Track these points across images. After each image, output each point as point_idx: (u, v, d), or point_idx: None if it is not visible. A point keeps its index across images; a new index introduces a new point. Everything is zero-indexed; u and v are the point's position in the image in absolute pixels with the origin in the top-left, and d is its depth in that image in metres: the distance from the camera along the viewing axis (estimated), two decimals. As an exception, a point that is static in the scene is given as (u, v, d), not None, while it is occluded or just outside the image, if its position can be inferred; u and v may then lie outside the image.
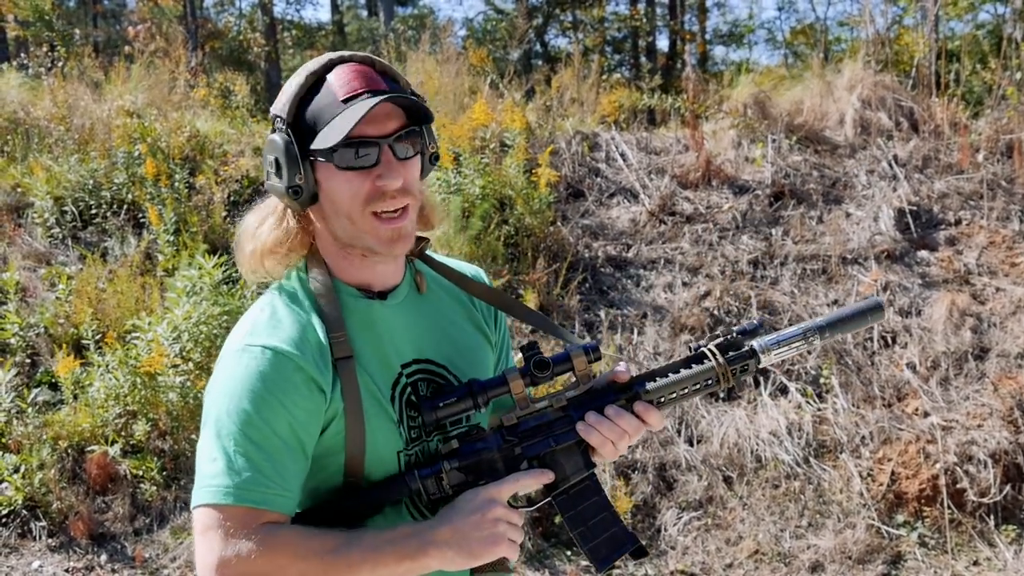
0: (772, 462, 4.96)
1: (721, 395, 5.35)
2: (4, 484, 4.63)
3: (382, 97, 1.46)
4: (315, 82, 1.51)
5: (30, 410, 4.84)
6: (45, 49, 8.48)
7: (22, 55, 10.02)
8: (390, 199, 1.51)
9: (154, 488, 4.66)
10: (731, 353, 1.62)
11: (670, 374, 1.62)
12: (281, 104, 1.51)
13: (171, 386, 4.74)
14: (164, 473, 4.73)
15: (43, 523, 4.56)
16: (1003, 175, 6.57)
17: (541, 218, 6.05)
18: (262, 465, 1.42)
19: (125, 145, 6.46)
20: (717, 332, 1.63)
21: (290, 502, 1.46)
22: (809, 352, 5.44)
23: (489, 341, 1.78)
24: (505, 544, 1.47)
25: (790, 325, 5.57)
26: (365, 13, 22.96)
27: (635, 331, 5.62)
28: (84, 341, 5.11)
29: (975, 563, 4.51)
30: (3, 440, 4.79)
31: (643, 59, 19.56)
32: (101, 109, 7.08)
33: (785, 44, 22.26)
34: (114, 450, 4.69)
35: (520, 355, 1.61)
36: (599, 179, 6.82)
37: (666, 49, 20.02)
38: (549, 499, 1.61)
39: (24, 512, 4.60)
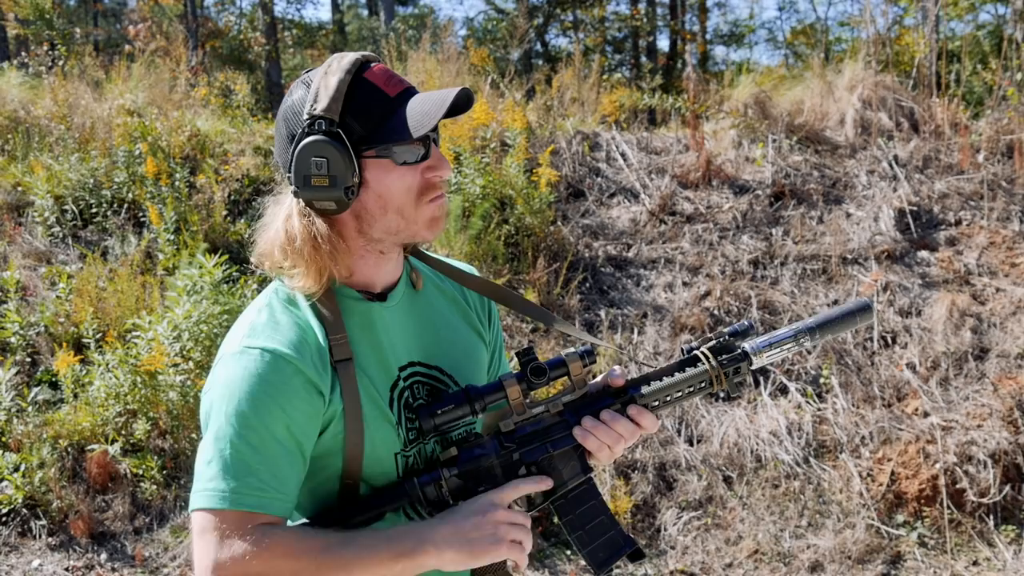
0: (772, 462, 4.96)
1: (721, 396, 5.35)
2: (4, 483, 4.64)
3: (459, 88, 1.49)
4: (352, 81, 1.48)
5: (30, 409, 4.84)
6: (45, 48, 8.48)
7: (22, 54, 10.02)
8: (438, 188, 1.55)
9: (154, 487, 4.66)
10: (724, 356, 1.64)
11: (664, 378, 1.63)
12: (323, 105, 1.46)
13: (171, 385, 4.74)
14: (164, 472, 4.74)
15: (43, 522, 4.56)
16: (1003, 175, 6.57)
17: (541, 218, 6.05)
18: (258, 469, 1.41)
19: (125, 144, 6.46)
20: (709, 335, 1.64)
21: (286, 505, 1.45)
22: (800, 353, 5.44)
23: (483, 340, 1.78)
24: (506, 546, 1.47)
25: (790, 324, 5.58)
26: (366, 12, 22.96)
27: (635, 331, 5.62)
28: (84, 340, 5.11)
29: (974, 563, 4.51)
30: (3, 439, 4.79)
31: (644, 59, 19.57)
32: (102, 108, 7.08)
33: (786, 44, 22.27)
34: (114, 449, 4.69)
35: (516, 360, 1.61)
36: (599, 179, 6.83)
37: (667, 49, 20.05)
38: (548, 503, 1.61)
39: (24, 511, 4.60)
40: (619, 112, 7.89)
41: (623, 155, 7.04)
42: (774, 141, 6.95)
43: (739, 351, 1.64)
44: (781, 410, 5.18)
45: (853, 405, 5.19)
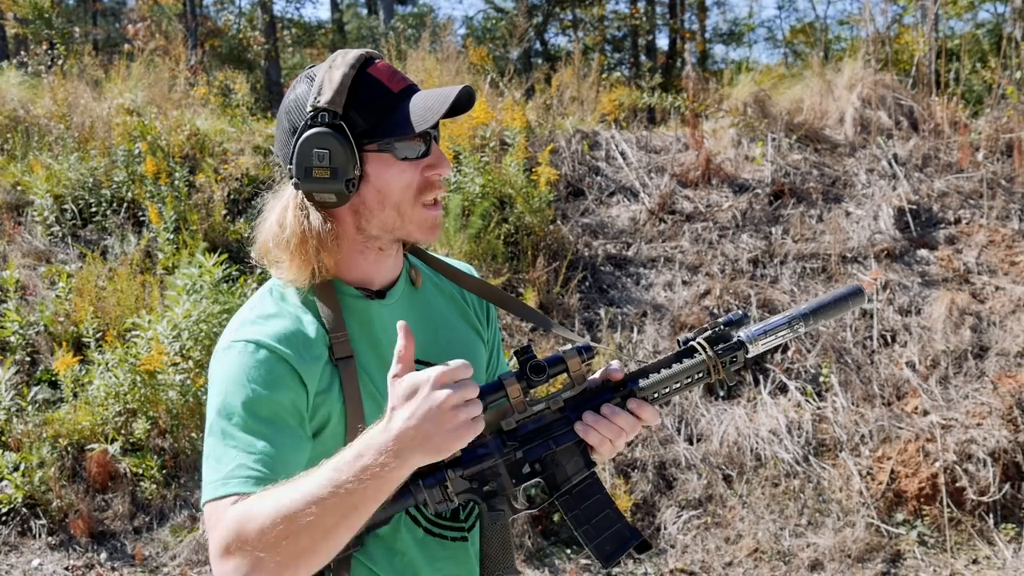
0: (772, 461, 4.96)
1: (721, 393, 5.36)
2: (4, 482, 4.63)
3: (461, 86, 1.50)
4: (356, 75, 1.50)
5: (30, 408, 4.84)
6: (45, 47, 8.48)
7: (22, 53, 10.02)
8: (438, 187, 1.55)
9: (154, 486, 4.66)
10: (720, 345, 1.64)
11: (662, 370, 1.63)
12: (327, 97, 1.48)
13: (171, 384, 4.74)
14: (164, 471, 4.74)
15: (43, 521, 4.57)
16: (1003, 174, 6.57)
17: (541, 217, 6.05)
18: (247, 452, 1.42)
19: (125, 143, 6.45)
20: (704, 326, 1.65)
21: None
22: (800, 352, 5.44)
23: (482, 338, 1.78)
24: (470, 428, 1.36)
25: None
26: (365, 11, 22.96)
27: (635, 329, 5.62)
28: (84, 339, 5.11)
29: (974, 561, 4.51)
30: (3, 438, 4.79)
31: (643, 58, 19.57)
32: (101, 107, 7.08)
33: (785, 43, 22.27)
34: (114, 448, 4.69)
35: (515, 359, 1.61)
36: (599, 178, 6.83)
37: (666, 48, 20.04)
38: (553, 499, 1.62)
39: (24, 510, 4.60)
40: (618, 111, 7.89)
41: (622, 154, 7.04)
42: (773, 140, 6.95)
43: (735, 340, 1.64)
44: (781, 409, 5.18)
45: (853, 404, 5.19)
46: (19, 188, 6.44)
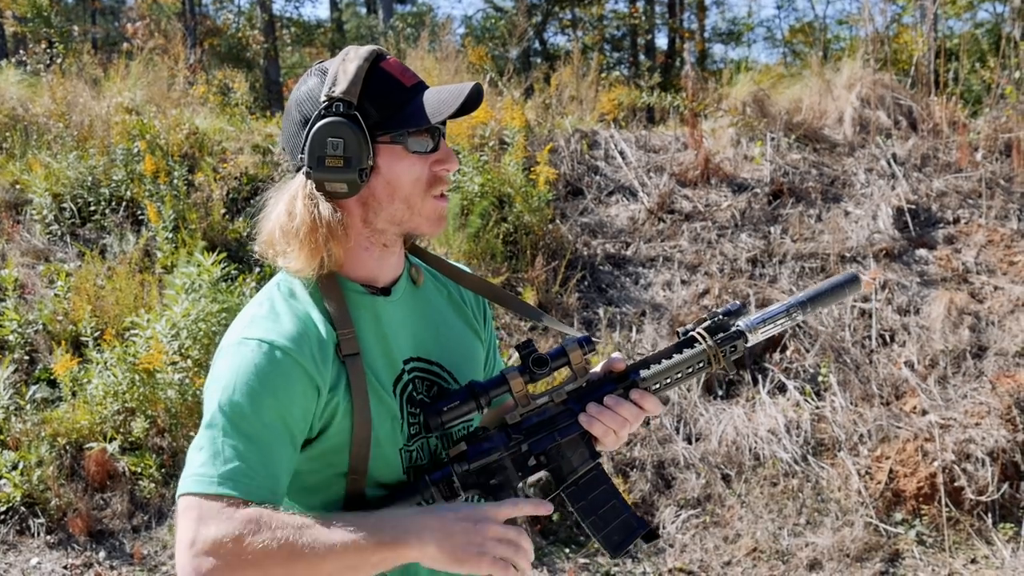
0: (770, 460, 4.96)
1: (720, 393, 5.36)
2: (3, 481, 4.63)
3: (472, 83, 1.52)
4: (369, 68, 1.51)
5: (28, 407, 4.84)
6: (43, 46, 8.47)
7: (20, 52, 10.01)
8: (446, 183, 1.57)
9: (152, 485, 4.66)
10: (720, 335, 1.65)
11: (663, 360, 1.65)
12: (342, 87, 1.48)
13: (169, 383, 4.74)
14: (162, 470, 4.73)
15: (41, 520, 4.56)
16: (1002, 174, 6.57)
17: (540, 216, 6.05)
18: (248, 457, 1.41)
19: (124, 142, 6.45)
20: (704, 316, 1.67)
21: (274, 496, 1.43)
22: (799, 351, 5.44)
23: (479, 337, 1.79)
24: (489, 561, 1.41)
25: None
26: (364, 10, 22.95)
27: (634, 329, 5.62)
28: (83, 338, 5.11)
29: (973, 561, 4.51)
30: (2, 437, 4.79)
31: (642, 57, 19.57)
32: (100, 106, 7.07)
33: (784, 42, 22.27)
34: (112, 447, 4.69)
35: (517, 354, 1.62)
36: (598, 177, 6.83)
37: (665, 47, 20.04)
38: (559, 491, 1.63)
39: (23, 509, 4.60)
40: (617, 110, 7.89)
41: (621, 153, 7.04)
42: (772, 139, 6.95)
43: (734, 329, 1.66)
44: (780, 408, 5.18)
45: (851, 403, 5.19)
46: (18, 187, 6.44)
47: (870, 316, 5.65)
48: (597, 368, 1.67)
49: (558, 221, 6.29)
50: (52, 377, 5.07)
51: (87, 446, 4.71)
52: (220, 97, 8.15)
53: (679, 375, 1.65)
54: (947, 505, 4.69)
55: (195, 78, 8.40)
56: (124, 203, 6.26)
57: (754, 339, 1.67)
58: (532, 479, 1.65)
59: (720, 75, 9.65)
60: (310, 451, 1.52)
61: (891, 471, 4.83)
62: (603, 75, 9.48)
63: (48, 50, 8.22)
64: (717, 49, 22.96)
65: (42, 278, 5.80)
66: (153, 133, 6.54)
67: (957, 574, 4.43)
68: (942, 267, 5.94)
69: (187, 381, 4.77)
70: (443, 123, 1.55)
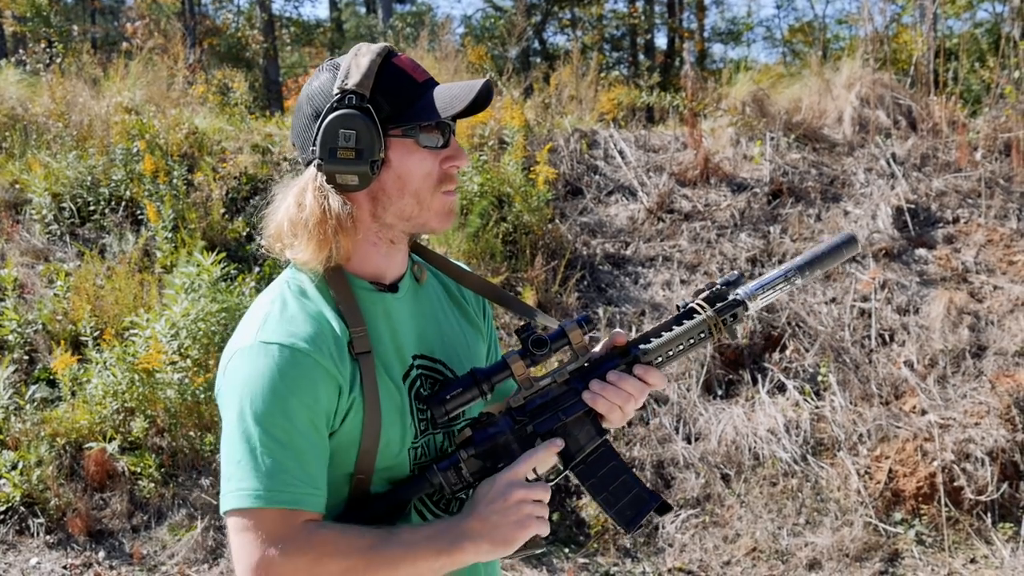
0: (770, 460, 4.96)
1: (719, 392, 5.36)
2: (2, 481, 4.63)
3: (484, 80, 1.53)
4: (382, 63, 1.52)
5: (28, 407, 4.84)
6: (43, 45, 8.47)
7: (20, 51, 10.01)
8: (455, 180, 1.58)
9: (152, 485, 4.66)
10: (719, 304, 1.65)
11: (664, 333, 1.64)
12: (355, 80, 1.49)
13: (169, 383, 4.73)
14: (162, 470, 4.73)
15: (41, 520, 4.56)
16: (1001, 173, 6.58)
17: (539, 215, 6.05)
18: (289, 465, 1.42)
19: (123, 142, 6.45)
20: (702, 287, 1.67)
21: (321, 499, 1.46)
22: (798, 351, 5.44)
23: (481, 334, 1.79)
24: (534, 524, 1.48)
25: (788, 323, 5.59)
26: (363, 10, 22.95)
27: (633, 328, 5.62)
28: (82, 338, 5.11)
29: (972, 561, 4.52)
30: (1, 437, 4.79)
31: (641, 57, 19.58)
32: (99, 106, 7.07)
33: (783, 42, 22.28)
34: (112, 447, 4.69)
35: (516, 337, 1.62)
36: (597, 177, 6.83)
37: (664, 47, 20.05)
38: (568, 470, 1.62)
39: (22, 509, 4.60)
40: (617, 110, 7.90)
41: (621, 153, 7.04)
42: (772, 139, 6.95)
43: (733, 298, 1.66)
44: (779, 408, 5.18)
45: (851, 403, 5.19)
46: (17, 186, 6.44)
47: (869, 316, 5.65)
48: (598, 348, 1.66)
49: (557, 221, 6.29)
50: (51, 377, 5.07)
51: (86, 446, 4.71)
52: (219, 97, 8.15)
53: (681, 347, 1.64)
54: (946, 505, 4.69)
55: (194, 78, 8.40)
56: (123, 203, 6.26)
57: (754, 306, 1.66)
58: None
59: (719, 75, 9.65)
60: None
61: (890, 471, 4.83)
62: (602, 75, 9.48)
63: (47, 50, 8.23)
64: (716, 49, 22.98)
65: (41, 278, 5.79)
66: (152, 133, 6.54)
67: (956, 574, 4.44)
68: (941, 267, 5.94)
69: (186, 381, 4.77)
70: (453, 120, 1.55)
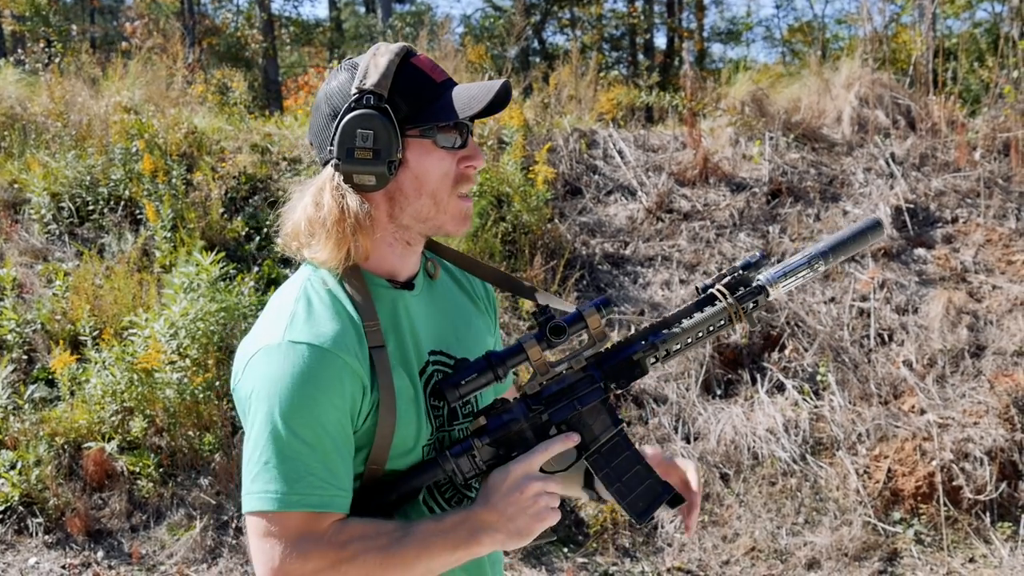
0: (769, 459, 4.97)
1: (718, 392, 5.36)
2: (1, 480, 4.63)
3: (502, 81, 1.52)
4: (400, 63, 1.52)
5: (27, 406, 4.83)
6: (42, 45, 8.47)
7: (19, 51, 10.01)
8: (472, 180, 1.58)
9: (151, 485, 4.66)
10: (740, 291, 1.61)
11: (684, 320, 1.61)
12: (373, 80, 1.49)
13: (168, 383, 4.73)
14: (161, 470, 4.73)
15: (40, 519, 4.56)
16: (1000, 173, 6.58)
17: (538, 215, 6.05)
18: (316, 467, 1.42)
19: (122, 141, 6.44)
20: (723, 271, 1.62)
21: (346, 500, 1.46)
22: (797, 350, 5.44)
23: (490, 329, 1.80)
24: (550, 516, 1.49)
25: (787, 322, 5.59)
26: (363, 9, 22.95)
27: (632, 328, 5.62)
28: (81, 337, 5.11)
29: (971, 560, 4.52)
30: (0, 436, 4.78)
31: (641, 56, 19.58)
32: (98, 105, 7.07)
33: (783, 42, 22.29)
34: (111, 447, 4.69)
35: (532, 320, 1.60)
36: (596, 176, 6.83)
37: (664, 47, 20.05)
38: (581, 459, 1.60)
39: (21, 508, 4.60)
40: (616, 110, 7.90)
41: (620, 153, 7.04)
42: (771, 139, 6.95)
43: (755, 285, 1.62)
44: (778, 407, 5.18)
45: (850, 402, 5.19)
46: (16, 186, 6.44)
47: (868, 315, 5.65)
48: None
49: (556, 220, 6.29)
50: (50, 376, 5.07)
51: (85, 445, 4.71)
52: (219, 96, 8.15)
53: (700, 335, 1.61)
54: (945, 504, 4.69)
55: (194, 77, 8.40)
56: (122, 202, 6.25)
57: (775, 293, 1.63)
58: None
59: (719, 74, 9.65)
60: None
61: (889, 470, 4.84)
62: (602, 74, 9.48)
63: (46, 49, 8.23)
64: (716, 48, 22.99)
65: (40, 277, 5.79)
66: (151, 132, 6.53)
67: (955, 573, 4.44)
68: (940, 266, 5.94)
69: (185, 381, 4.77)
70: (471, 120, 1.55)
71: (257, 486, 1.42)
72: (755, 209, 6.43)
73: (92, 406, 4.78)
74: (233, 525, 4.56)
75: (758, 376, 5.38)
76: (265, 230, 6.07)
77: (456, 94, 1.52)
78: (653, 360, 1.62)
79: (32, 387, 5.01)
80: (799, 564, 4.50)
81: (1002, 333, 5.45)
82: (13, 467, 4.62)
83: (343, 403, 1.45)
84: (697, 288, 1.65)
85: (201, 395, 4.77)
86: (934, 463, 4.78)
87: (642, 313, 5.73)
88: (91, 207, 6.25)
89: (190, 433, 4.79)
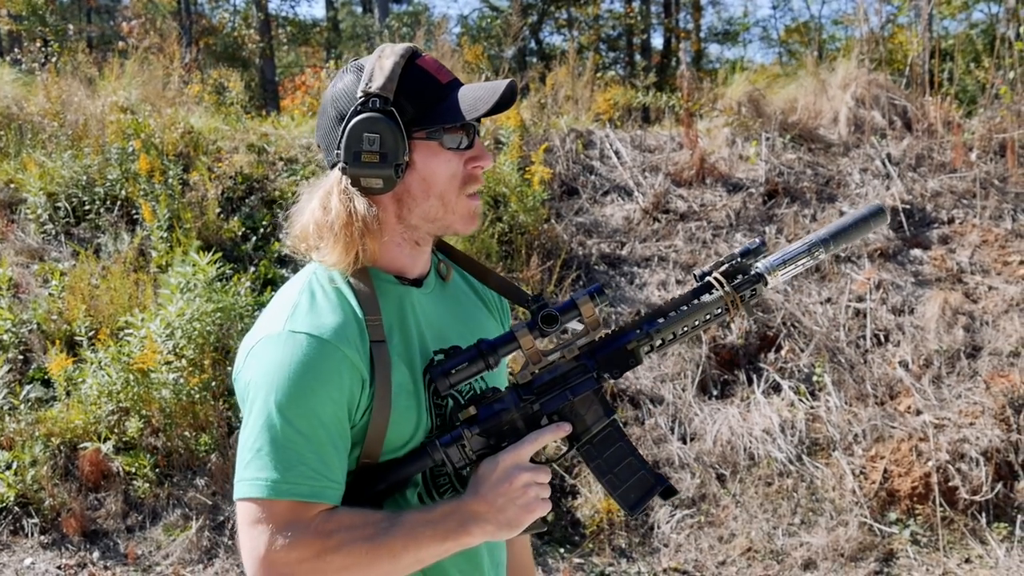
0: (765, 460, 4.97)
1: (714, 392, 5.36)
2: (-4, 481, 4.63)
3: (507, 81, 1.52)
4: (405, 65, 1.52)
5: (23, 407, 4.83)
6: (39, 44, 8.45)
7: (15, 50, 9.99)
8: (480, 180, 1.58)
9: (147, 485, 4.66)
10: (738, 279, 1.59)
11: (680, 308, 1.59)
12: (379, 83, 1.49)
13: (164, 383, 4.73)
14: (157, 470, 4.73)
15: (35, 520, 4.56)
16: (996, 174, 6.58)
17: (535, 216, 6.05)
18: (309, 457, 1.42)
19: (119, 141, 6.44)
20: (721, 258, 1.58)
21: (337, 492, 1.46)
22: (793, 350, 5.45)
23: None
24: (540, 506, 1.48)
25: (784, 323, 5.59)
26: (360, 10, 22.93)
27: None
28: (77, 338, 5.10)
29: (967, 560, 4.52)
30: (-5, 437, 4.78)
31: (638, 57, 19.59)
32: (95, 105, 7.06)
33: (779, 42, 22.31)
34: (107, 447, 4.68)
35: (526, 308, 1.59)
36: (593, 177, 6.83)
37: (661, 47, 20.04)
38: (573, 450, 1.59)
39: (16, 509, 4.59)
40: (613, 110, 7.90)
41: (617, 153, 7.04)
42: (767, 139, 6.96)
43: (753, 273, 1.60)
44: (774, 408, 5.19)
45: (846, 403, 5.20)
46: (12, 186, 6.43)
47: (865, 316, 5.65)
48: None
49: (553, 221, 6.29)
50: (46, 377, 5.06)
51: (81, 446, 4.71)
52: (215, 96, 8.14)
53: (696, 323, 1.59)
54: (941, 505, 4.70)
55: (190, 77, 8.39)
56: (119, 202, 6.25)
57: (774, 281, 1.60)
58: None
59: (716, 75, 9.66)
60: None
61: (885, 471, 4.84)
62: (599, 75, 9.48)
63: (43, 48, 8.22)
64: (713, 49, 23.00)
65: (36, 277, 5.79)
66: (148, 132, 6.53)
67: (951, 574, 4.44)
68: (936, 267, 5.94)
69: (181, 381, 4.76)
70: (478, 121, 1.55)
71: (249, 473, 1.43)
72: (751, 209, 6.44)
73: (88, 406, 4.77)
74: (229, 526, 4.56)
75: (754, 377, 5.38)
76: (262, 230, 6.07)
77: (462, 95, 1.52)
78: (648, 349, 1.60)
79: (28, 387, 5.01)
80: (795, 564, 4.51)
81: (998, 334, 5.46)
82: (9, 467, 4.62)
83: (340, 395, 1.45)
84: (695, 275, 1.62)
85: (197, 395, 4.77)
86: (930, 463, 4.78)
87: (638, 314, 5.73)
88: (87, 207, 6.24)
89: (186, 433, 4.79)
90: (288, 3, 32.87)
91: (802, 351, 5.46)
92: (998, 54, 7.44)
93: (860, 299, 5.75)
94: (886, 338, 5.56)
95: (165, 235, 5.68)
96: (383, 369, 1.50)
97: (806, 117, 7.21)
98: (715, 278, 1.60)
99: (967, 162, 6.67)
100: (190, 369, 4.80)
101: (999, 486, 4.74)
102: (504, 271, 5.76)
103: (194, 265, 4.98)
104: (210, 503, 4.61)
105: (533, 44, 19.19)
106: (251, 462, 1.43)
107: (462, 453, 1.53)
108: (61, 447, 4.75)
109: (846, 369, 5.37)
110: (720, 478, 4.95)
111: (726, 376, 5.43)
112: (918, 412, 5.07)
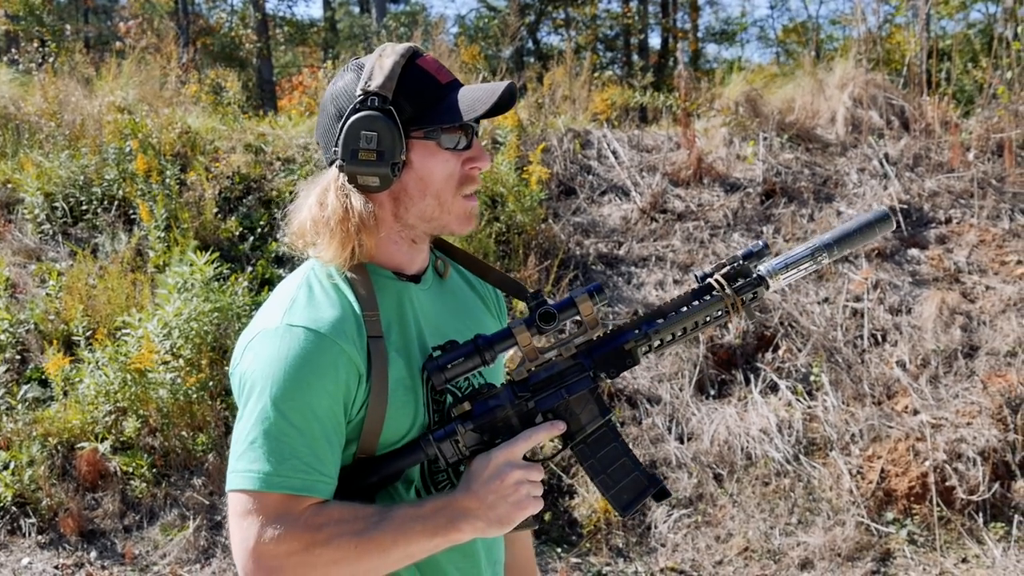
0: (762, 460, 4.97)
1: (712, 392, 5.36)
2: (-7, 481, 4.62)
3: (506, 83, 1.53)
4: (405, 64, 1.53)
5: (20, 407, 4.83)
6: (36, 44, 8.45)
7: (12, 50, 9.98)
8: (477, 181, 1.58)
9: (144, 485, 4.65)
10: (739, 281, 1.58)
11: (680, 309, 1.58)
12: (378, 82, 1.50)
13: (161, 383, 4.73)
14: (154, 470, 4.73)
15: (33, 520, 4.55)
16: (993, 174, 6.59)
17: (532, 215, 6.05)
18: (302, 451, 1.42)
19: (116, 141, 6.43)
20: (723, 260, 1.56)
21: (329, 486, 1.46)
22: (790, 350, 5.45)
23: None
24: (532, 504, 1.48)
25: (781, 322, 5.59)
26: (357, 9, 22.92)
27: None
28: (74, 338, 5.10)
29: (964, 560, 4.53)
30: (-8, 437, 4.78)
31: (635, 57, 19.60)
32: (92, 105, 7.05)
33: (777, 42, 22.33)
34: (104, 447, 4.68)
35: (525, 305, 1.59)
36: (590, 177, 6.83)
37: (658, 47, 20.05)
38: (567, 449, 1.59)
39: (14, 509, 4.59)
40: (610, 110, 7.90)
41: (614, 153, 7.04)
42: (765, 139, 6.96)
43: (754, 276, 1.59)
44: (771, 408, 5.19)
45: (843, 403, 5.20)
46: (9, 186, 6.42)
47: (862, 316, 5.66)
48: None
49: (551, 221, 6.29)
50: (43, 377, 5.06)
51: (78, 446, 4.70)
52: (212, 96, 8.14)
53: (695, 325, 1.59)
54: (938, 504, 4.70)
55: (187, 77, 8.38)
56: (116, 202, 6.24)
57: (776, 285, 1.59)
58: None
59: (713, 75, 9.65)
60: None
61: (882, 471, 4.84)
62: (596, 75, 9.47)
63: (40, 49, 8.21)
64: (710, 49, 23.01)
65: (33, 277, 5.78)
66: (145, 132, 6.53)
67: (948, 573, 4.45)
68: (934, 267, 5.95)
69: (179, 381, 4.76)
70: (476, 122, 1.55)
71: (242, 464, 1.43)
72: (749, 209, 6.44)
73: (85, 406, 4.77)
74: (226, 526, 4.56)
75: (752, 376, 5.38)
76: (259, 230, 6.07)
77: (461, 96, 1.53)
78: (645, 350, 1.59)
79: (25, 387, 5.00)
80: (792, 564, 4.51)
81: (995, 334, 5.47)
82: (6, 467, 4.61)
83: (336, 390, 1.45)
84: (696, 277, 1.61)
85: (194, 395, 4.76)
86: (927, 463, 4.79)
87: (636, 314, 5.72)
88: (84, 207, 6.23)
89: (183, 433, 4.78)
90: (285, 3, 32.87)
91: (799, 351, 5.46)
92: (996, 54, 7.45)
93: (857, 299, 5.76)
94: (883, 338, 5.57)
95: (162, 235, 5.68)
96: (380, 364, 1.50)
97: (803, 117, 7.22)
98: (716, 280, 1.59)
99: (964, 162, 6.68)
100: (187, 369, 4.80)
101: (996, 486, 4.75)
102: (501, 271, 5.76)
103: (191, 265, 4.97)
104: (207, 503, 4.61)
105: (530, 44, 19.20)
106: (244, 454, 1.43)
107: (455, 448, 1.53)
108: (58, 447, 4.75)
109: (843, 369, 5.37)
110: (717, 478, 4.96)
111: (723, 376, 5.43)
112: (915, 412, 5.07)
